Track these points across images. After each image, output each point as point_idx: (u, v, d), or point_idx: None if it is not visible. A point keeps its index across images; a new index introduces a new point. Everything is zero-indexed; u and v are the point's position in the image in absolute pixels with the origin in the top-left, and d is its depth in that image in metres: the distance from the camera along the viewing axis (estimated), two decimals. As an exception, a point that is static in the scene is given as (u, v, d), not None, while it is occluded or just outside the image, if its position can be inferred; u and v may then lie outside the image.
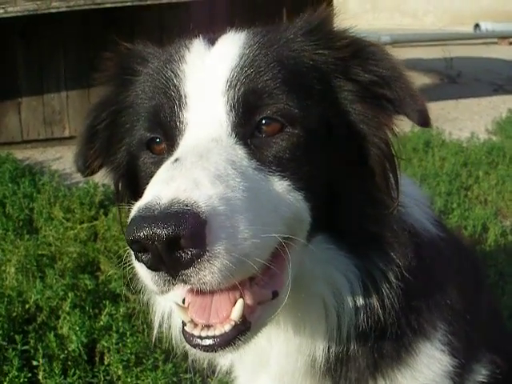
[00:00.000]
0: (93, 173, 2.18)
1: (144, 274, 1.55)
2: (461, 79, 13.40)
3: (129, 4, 7.58)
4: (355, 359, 2.06)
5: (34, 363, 3.64)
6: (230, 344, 1.61)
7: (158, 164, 1.77)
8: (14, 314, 4.11)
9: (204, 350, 1.62)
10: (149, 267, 1.50)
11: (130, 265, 1.62)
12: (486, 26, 23.12)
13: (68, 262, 4.68)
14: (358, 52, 1.88)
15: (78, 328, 3.84)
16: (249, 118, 1.76)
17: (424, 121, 1.85)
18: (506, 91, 12.27)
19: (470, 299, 2.36)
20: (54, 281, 4.34)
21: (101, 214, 5.61)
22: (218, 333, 1.60)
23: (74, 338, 3.79)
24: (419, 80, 13.32)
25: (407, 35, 20.06)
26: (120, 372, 3.62)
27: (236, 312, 1.61)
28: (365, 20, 23.50)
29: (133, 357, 3.70)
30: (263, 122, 1.76)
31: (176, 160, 1.62)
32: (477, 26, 23.95)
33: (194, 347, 1.63)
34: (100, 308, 4.18)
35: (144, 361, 3.69)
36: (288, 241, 1.70)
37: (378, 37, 19.35)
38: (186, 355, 3.78)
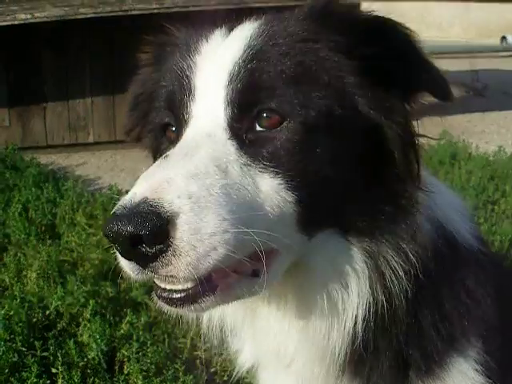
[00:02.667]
0: (137, 139, 2.28)
1: (121, 261, 1.62)
2: (487, 92, 13.30)
3: (155, 11, 7.60)
4: (382, 368, 1.99)
5: (53, 370, 3.61)
6: (190, 302, 1.63)
7: (166, 152, 1.79)
8: (34, 319, 4.10)
9: (166, 303, 1.66)
10: (122, 256, 1.58)
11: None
12: (512, 38, 22.99)
13: (89, 268, 4.66)
14: (365, 28, 1.77)
15: (98, 336, 3.81)
16: (245, 112, 1.74)
17: (444, 95, 1.76)
18: (533, 105, 12.15)
19: (507, 319, 2.29)
20: (75, 287, 4.31)
21: (124, 221, 5.57)
22: (179, 288, 1.62)
23: (93, 345, 3.76)
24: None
25: (433, 47, 19.91)
26: (140, 382, 3.57)
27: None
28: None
29: (153, 367, 3.67)
30: (262, 114, 1.73)
31: (165, 156, 1.68)
32: (503, 38, 23.80)
33: (159, 298, 1.66)
34: (121, 316, 4.16)
35: (164, 371, 3.65)
36: (272, 240, 1.67)
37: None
38: (207, 366, 3.78)
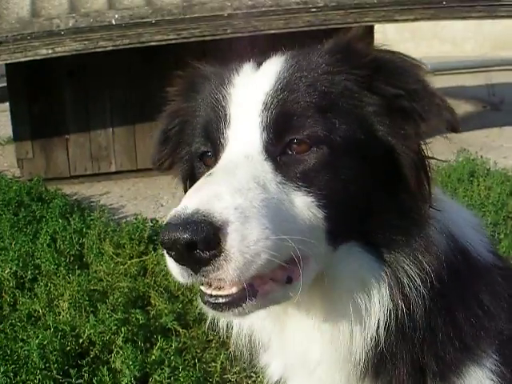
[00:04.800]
0: (167, 169, 2.45)
1: (172, 266, 1.78)
2: (504, 106, 13.28)
3: (173, 42, 7.76)
4: (399, 375, 2.10)
5: (89, 398, 3.72)
6: (234, 306, 1.79)
7: (203, 174, 1.99)
8: (68, 348, 4.22)
9: (212, 308, 1.83)
10: (176, 261, 1.74)
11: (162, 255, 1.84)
12: (527, 51, 22.91)
13: (119, 296, 4.77)
14: (382, 67, 1.99)
15: (130, 362, 3.92)
16: (279, 137, 1.93)
17: (452, 128, 1.94)
18: (550, 118, 12.10)
19: None
20: (107, 315, 4.43)
21: (150, 250, 5.70)
22: (225, 293, 1.79)
23: (126, 372, 3.87)
24: (461, 108, 13.21)
25: (448, 63, 19.98)
26: (173, 406, 3.67)
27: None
28: (404, 48, 23.34)
29: (185, 391, 3.75)
30: (293, 141, 1.92)
31: (209, 174, 1.86)
32: (518, 51, 23.70)
33: (205, 303, 1.84)
34: (152, 342, 4.27)
35: (196, 395, 3.74)
36: (304, 248, 1.84)
37: (418, 65, 19.37)
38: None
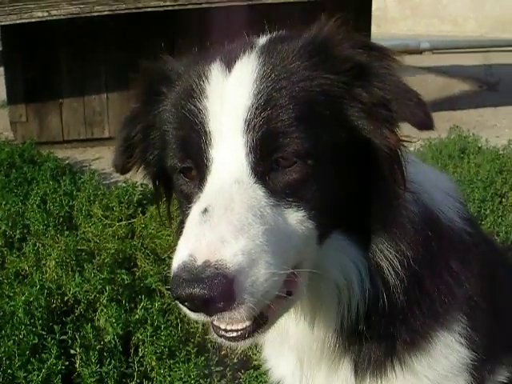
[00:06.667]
0: (129, 171, 2.40)
1: (186, 311, 1.83)
2: (501, 87, 13.27)
3: (170, 8, 7.74)
4: (371, 341, 2.19)
5: (72, 352, 3.79)
6: (249, 336, 1.87)
7: (190, 188, 2.02)
8: (54, 305, 4.28)
9: (228, 341, 1.89)
10: (190, 310, 1.79)
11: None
12: (527, 33, 22.84)
13: (106, 257, 4.81)
14: (361, 74, 1.94)
15: (114, 320, 3.98)
16: (266, 157, 1.88)
17: (426, 127, 1.93)
18: (546, 99, 12.11)
19: (502, 302, 2.44)
20: (92, 275, 4.47)
21: (138, 213, 5.76)
22: (240, 327, 1.85)
23: (110, 329, 3.93)
24: (457, 87, 13.27)
25: (447, 42, 19.95)
26: (153, 363, 3.76)
27: None
28: (404, 26, 23.41)
29: (166, 349, 3.84)
30: (280, 158, 1.89)
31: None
32: (518, 32, 23.63)
33: (220, 337, 1.89)
34: (136, 302, 4.32)
35: (177, 353, 3.82)
36: (300, 260, 1.93)
37: (418, 43, 19.36)
38: (217, 349, 3.92)
